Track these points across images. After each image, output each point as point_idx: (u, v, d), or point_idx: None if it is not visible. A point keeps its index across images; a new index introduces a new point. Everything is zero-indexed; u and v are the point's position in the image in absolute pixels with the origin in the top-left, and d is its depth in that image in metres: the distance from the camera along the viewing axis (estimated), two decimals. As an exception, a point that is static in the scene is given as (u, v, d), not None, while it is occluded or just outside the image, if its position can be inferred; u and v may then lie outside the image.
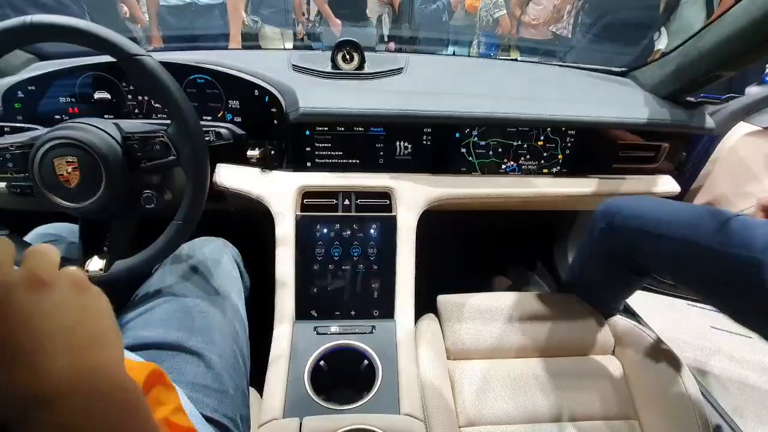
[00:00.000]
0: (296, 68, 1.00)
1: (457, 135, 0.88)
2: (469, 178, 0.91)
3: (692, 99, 0.93)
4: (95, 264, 0.64)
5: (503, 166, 0.92)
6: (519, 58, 1.24)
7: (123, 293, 0.75)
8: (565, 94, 0.98)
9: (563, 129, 0.89)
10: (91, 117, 0.82)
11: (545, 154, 0.91)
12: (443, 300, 0.87)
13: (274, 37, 2.66)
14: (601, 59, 1.26)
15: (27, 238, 0.75)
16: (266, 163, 0.87)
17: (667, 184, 0.97)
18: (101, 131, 0.58)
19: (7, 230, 0.65)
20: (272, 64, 0.98)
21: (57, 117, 0.81)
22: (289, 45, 2.74)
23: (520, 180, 0.91)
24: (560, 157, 0.92)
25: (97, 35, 0.52)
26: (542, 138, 0.90)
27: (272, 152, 0.87)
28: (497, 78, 1.05)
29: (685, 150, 0.99)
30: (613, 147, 0.93)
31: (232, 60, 0.89)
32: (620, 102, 0.98)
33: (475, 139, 0.89)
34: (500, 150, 0.90)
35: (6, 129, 0.71)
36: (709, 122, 0.92)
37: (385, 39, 3.64)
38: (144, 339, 0.58)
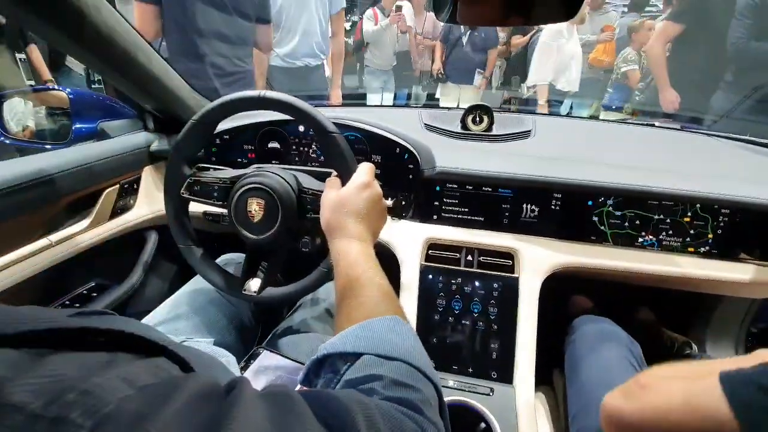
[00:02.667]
0: (428, 127, 1.09)
1: (590, 203, 0.86)
2: (600, 248, 0.87)
3: None
4: (253, 285, 0.76)
5: (640, 239, 0.87)
6: (657, 124, 1.17)
7: (263, 316, 0.88)
8: (719, 169, 0.91)
9: (715, 207, 0.82)
10: (263, 161, 1.00)
11: (692, 232, 0.84)
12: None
13: (450, 94, 2.90)
14: (756, 129, 1.13)
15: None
16: (397, 212, 0.95)
17: None
18: (285, 182, 0.71)
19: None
20: (407, 122, 1.09)
21: (239, 160, 1.01)
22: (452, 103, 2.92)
23: (660, 256, 0.85)
24: (710, 236, 0.84)
25: (307, 112, 0.66)
26: (689, 214, 0.83)
27: (403, 203, 0.95)
28: (634, 146, 1.02)
29: None
30: (779, 232, 0.82)
31: (373, 118, 1.01)
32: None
33: (610, 208, 0.86)
34: (638, 222, 0.86)
35: (211, 170, 0.90)
36: None
37: (493, 88, 3.73)
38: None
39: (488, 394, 0.72)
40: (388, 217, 0.96)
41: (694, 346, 1.08)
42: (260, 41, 1.85)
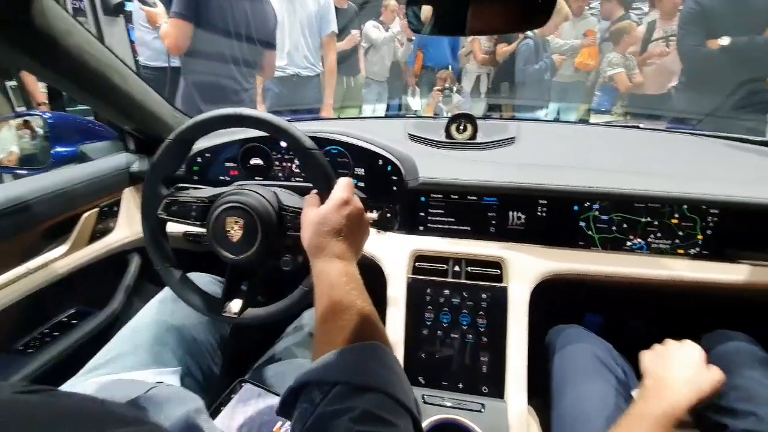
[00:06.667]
0: (412, 137, 1.09)
1: (576, 208, 0.85)
2: (588, 254, 0.86)
3: None
4: (233, 306, 0.74)
5: (628, 243, 0.85)
6: (642, 126, 1.17)
7: (245, 342, 0.85)
8: (705, 168, 0.90)
9: (703, 207, 0.81)
10: (246, 179, 0.99)
11: (681, 233, 0.83)
12: None
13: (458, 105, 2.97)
14: (740, 127, 1.13)
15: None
16: (382, 225, 0.94)
17: None
18: (265, 200, 0.70)
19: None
20: (391, 133, 1.09)
21: (221, 178, 0.99)
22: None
23: (650, 260, 0.83)
24: (700, 237, 0.83)
25: (285, 129, 0.65)
26: (677, 215, 0.82)
27: (388, 215, 0.94)
28: (620, 148, 1.01)
29: None
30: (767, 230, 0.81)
31: (356, 130, 1.00)
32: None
33: (596, 213, 0.85)
34: (625, 225, 0.84)
35: (190, 189, 0.89)
36: None
37: (481, 95, 3.76)
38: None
39: (479, 411, 0.69)
40: (374, 230, 0.96)
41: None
42: (266, 64, 2.04)
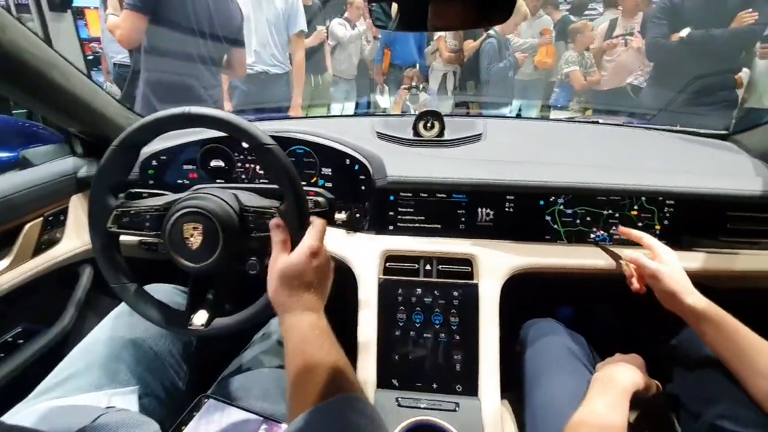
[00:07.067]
0: (380, 135, 1.07)
1: (542, 203, 0.87)
2: (554, 247, 0.87)
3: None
4: (199, 318, 0.70)
5: (592, 235, 0.88)
6: (601, 122, 1.21)
7: (212, 353, 0.81)
8: (660, 161, 0.94)
9: (660, 199, 0.84)
10: (207, 181, 0.94)
11: (640, 224, 0.86)
12: None
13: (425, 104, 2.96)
14: (692, 120, 1.19)
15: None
16: (351, 226, 0.92)
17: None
18: (225, 203, 0.66)
19: None
20: (359, 132, 1.07)
21: (180, 182, 0.94)
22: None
23: (613, 251, 0.86)
24: (658, 227, 0.86)
25: (238, 126, 0.61)
26: (636, 207, 0.85)
27: (357, 215, 0.92)
28: (581, 143, 1.04)
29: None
30: (720, 218, 0.85)
31: (322, 129, 0.98)
32: (726, 170, 0.91)
33: (561, 207, 0.86)
34: (588, 218, 0.87)
35: (144, 195, 0.83)
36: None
37: (449, 95, 3.81)
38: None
39: (454, 410, 0.69)
40: (343, 231, 0.94)
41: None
42: (235, 62, 1.96)
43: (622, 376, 0.66)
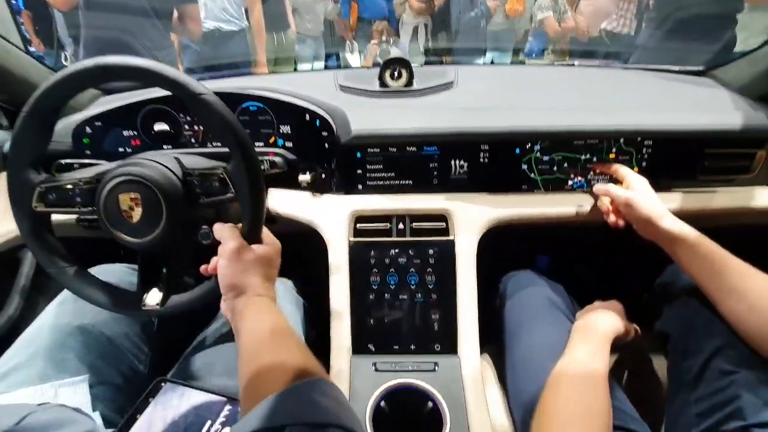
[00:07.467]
0: (344, 88, 0.98)
1: (518, 151, 0.82)
2: (532, 197, 0.84)
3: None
4: (153, 298, 0.64)
5: (570, 182, 0.84)
6: (577, 63, 1.15)
7: (175, 332, 0.75)
8: (638, 101, 0.89)
9: (638, 139, 0.80)
10: (152, 148, 0.85)
11: (618, 168, 0.82)
12: None
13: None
14: (671, 59, 1.14)
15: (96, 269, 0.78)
16: (317, 187, 0.85)
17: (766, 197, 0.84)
18: (164, 167, 0.58)
19: None
20: (320, 86, 0.97)
21: (121, 150, 0.85)
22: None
23: (591, 198, 0.83)
24: (636, 170, 0.83)
25: (165, 75, 0.52)
26: (614, 150, 0.81)
27: (323, 176, 0.85)
28: (556, 87, 0.98)
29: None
30: (698, 156, 0.82)
31: (280, 84, 0.89)
32: (703, 106, 0.88)
33: (537, 154, 0.82)
34: (566, 165, 0.83)
35: (75, 166, 0.74)
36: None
37: (421, 49, 3.63)
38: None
39: (433, 370, 0.67)
40: (309, 194, 0.87)
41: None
42: (187, 18, 1.81)
43: (602, 323, 0.65)
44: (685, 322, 0.69)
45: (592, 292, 0.79)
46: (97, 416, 0.54)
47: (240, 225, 0.60)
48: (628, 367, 0.79)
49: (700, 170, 0.83)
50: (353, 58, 3.74)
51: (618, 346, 0.65)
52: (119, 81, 0.54)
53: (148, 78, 0.53)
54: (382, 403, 0.62)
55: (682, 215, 0.77)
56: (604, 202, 0.77)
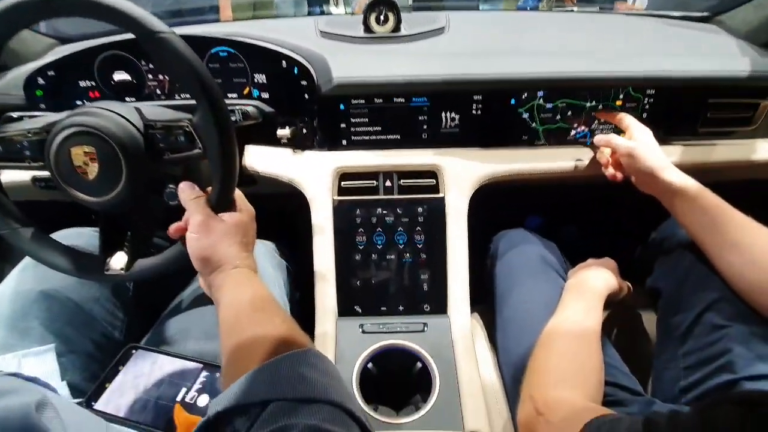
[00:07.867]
0: (325, 34, 0.90)
1: (513, 101, 0.76)
2: (528, 151, 0.79)
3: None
4: (117, 261, 0.59)
5: (572, 132, 0.79)
6: (576, 9, 1.07)
7: (153, 295, 0.71)
8: (641, 47, 0.83)
9: (643, 87, 0.75)
10: (112, 101, 0.77)
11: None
12: None
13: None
14: (674, 3, 1.07)
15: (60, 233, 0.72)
16: (298, 143, 0.79)
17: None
18: (121, 118, 0.52)
19: None
20: (298, 32, 0.89)
21: (79, 103, 0.77)
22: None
23: (590, 152, 0.78)
24: (644, 116, 0.78)
25: (116, 9, 0.44)
26: (621, 97, 0.76)
27: (304, 131, 0.79)
28: (556, 32, 0.91)
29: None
30: (700, 107, 0.78)
31: (255, 30, 0.80)
32: (708, 52, 0.82)
33: (540, 101, 0.76)
34: (570, 113, 0.77)
35: (25, 118, 0.66)
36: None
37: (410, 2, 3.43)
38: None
39: (422, 331, 0.65)
40: (289, 150, 0.81)
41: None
42: None
43: (595, 281, 0.63)
44: (678, 278, 0.67)
45: (585, 250, 0.77)
46: (63, 386, 0.51)
47: (209, 189, 0.54)
48: (618, 323, 0.78)
49: (702, 122, 0.79)
50: (338, 11, 3.52)
51: (610, 303, 0.64)
52: (67, 16, 0.47)
53: (97, 12, 0.45)
54: (370, 365, 0.61)
55: (683, 168, 0.73)
56: (604, 154, 0.73)
